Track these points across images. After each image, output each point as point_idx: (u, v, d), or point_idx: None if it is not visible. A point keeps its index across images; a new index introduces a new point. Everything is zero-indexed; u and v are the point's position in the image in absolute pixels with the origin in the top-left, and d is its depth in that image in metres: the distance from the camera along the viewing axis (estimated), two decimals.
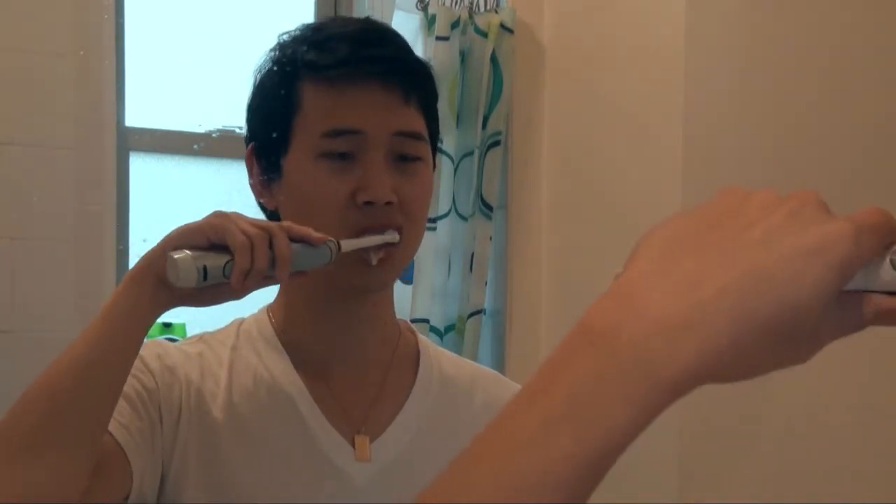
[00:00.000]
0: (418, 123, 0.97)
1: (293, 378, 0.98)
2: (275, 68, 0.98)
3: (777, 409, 1.82)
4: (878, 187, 1.91)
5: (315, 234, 0.87)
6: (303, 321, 1.01)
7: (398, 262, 0.97)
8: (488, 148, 2.14)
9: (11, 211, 2.05)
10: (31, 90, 2.08)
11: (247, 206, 1.05)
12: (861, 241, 0.41)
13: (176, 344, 1.01)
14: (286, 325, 1.02)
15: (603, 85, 2.06)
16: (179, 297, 0.85)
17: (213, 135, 2.33)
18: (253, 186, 1.02)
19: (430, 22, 2.08)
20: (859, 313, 0.43)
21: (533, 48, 2.22)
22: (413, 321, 2.02)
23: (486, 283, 2.15)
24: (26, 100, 2.07)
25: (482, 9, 2.17)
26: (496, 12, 2.16)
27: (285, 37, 1.00)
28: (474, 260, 2.13)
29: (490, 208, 2.14)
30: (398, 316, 1.08)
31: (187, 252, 0.81)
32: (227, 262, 0.82)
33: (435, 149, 1.02)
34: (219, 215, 0.85)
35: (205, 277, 0.82)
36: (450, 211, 2.09)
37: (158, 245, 0.84)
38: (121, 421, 0.87)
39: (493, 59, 2.13)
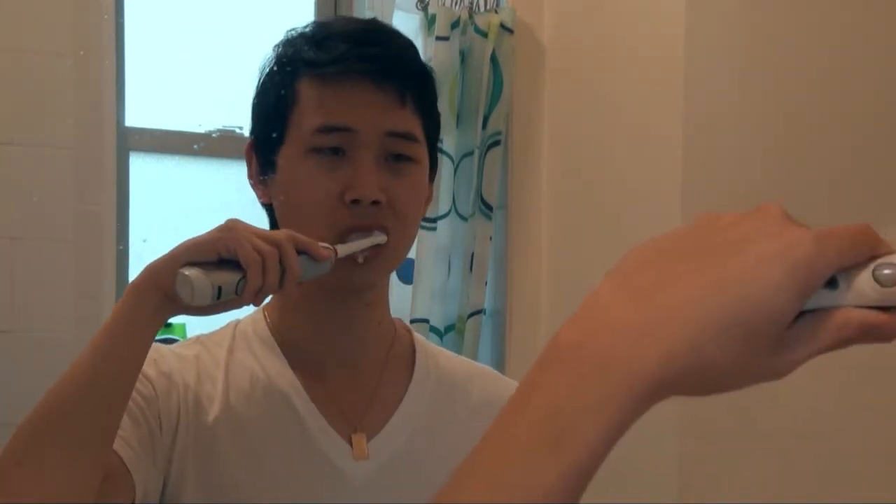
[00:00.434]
0: (412, 124, 0.97)
1: (290, 378, 0.98)
2: (275, 65, 0.99)
3: (777, 409, 1.82)
4: (878, 187, 1.91)
5: (321, 250, 0.88)
6: (298, 321, 1.01)
7: (385, 262, 0.96)
8: (488, 148, 2.14)
9: (11, 211, 2.05)
10: (31, 90, 2.08)
11: (247, 206, 1.05)
12: (823, 245, 0.41)
13: (172, 347, 1.01)
14: (282, 325, 1.02)
15: (603, 85, 2.06)
16: (183, 309, 0.85)
17: (213, 135, 2.33)
18: (251, 181, 1.02)
19: (430, 22, 2.08)
20: (840, 327, 0.42)
21: (533, 48, 2.23)
22: (413, 321, 2.03)
23: (486, 283, 2.15)
24: (26, 100, 2.07)
25: (482, 9, 2.17)
26: (496, 12, 2.16)
27: (292, 32, 1.00)
28: (474, 260, 2.13)
29: (490, 208, 2.14)
30: (399, 316, 1.08)
31: (200, 270, 0.81)
32: (240, 280, 0.82)
33: (434, 150, 1.02)
34: (228, 229, 0.84)
35: (219, 296, 0.82)
36: (450, 211, 2.10)
37: (164, 258, 0.83)
38: (121, 434, 0.87)
39: (493, 59, 2.13)
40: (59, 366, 0.84)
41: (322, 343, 1.00)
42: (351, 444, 0.97)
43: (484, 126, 2.13)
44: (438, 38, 2.06)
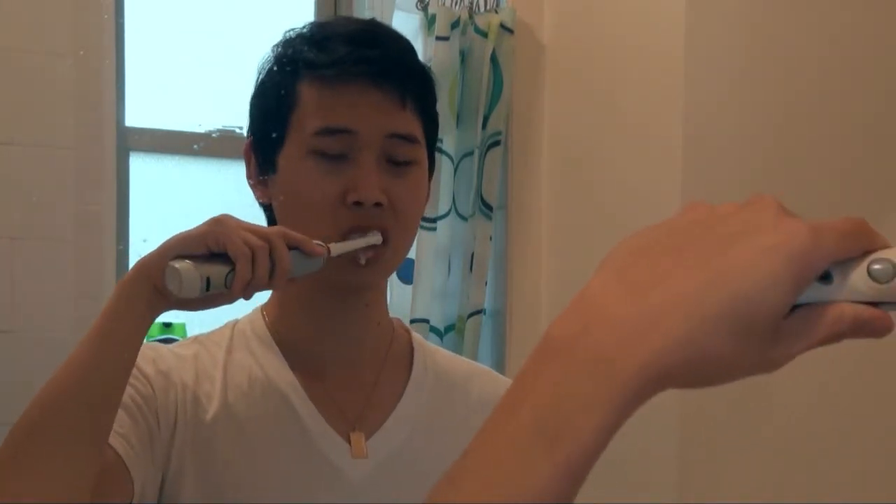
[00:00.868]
0: (413, 126, 0.97)
1: (288, 377, 0.99)
2: (275, 66, 0.99)
3: (777, 409, 1.82)
4: (878, 187, 1.91)
5: (314, 247, 0.88)
6: (297, 320, 1.01)
7: (386, 263, 0.97)
8: (488, 148, 2.14)
9: (11, 211, 2.05)
10: (31, 90, 2.08)
11: (247, 206, 1.05)
12: (819, 237, 0.41)
13: (170, 346, 1.01)
14: (280, 324, 1.02)
15: (603, 85, 2.06)
16: (175, 303, 0.85)
17: (213, 135, 2.33)
18: (250, 182, 1.02)
19: (430, 22, 2.08)
20: (833, 322, 0.42)
21: (533, 48, 2.22)
22: (413, 321, 2.03)
23: (486, 283, 2.15)
24: (26, 100, 2.07)
25: (482, 9, 2.17)
26: (496, 12, 2.16)
27: (290, 33, 1.00)
28: (474, 260, 2.13)
29: (490, 208, 2.14)
30: (399, 316, 1.09)
31: (189, 262, 0.81)
32: (230, 273, 0.82)
33: (433, 151, 1.02)
34: (217, 222, 0.84)
35: (207, 288, 0.82)
36: (450, 211, 2.09)
37: (154, 252, 0.84)
38: (119, 431, 0.87)
39: (493, 59, 2.13)
40: (58, 366, 0.84)
41: (321, 342, 1.01)
42: (349, 443, 0.97)
43: (484, 126, 2.13)
44: (438, 38, 2.06)
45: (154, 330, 2.07)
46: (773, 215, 0.42)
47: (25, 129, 2.07)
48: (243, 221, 0.86)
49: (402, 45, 0.99)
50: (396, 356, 1.04)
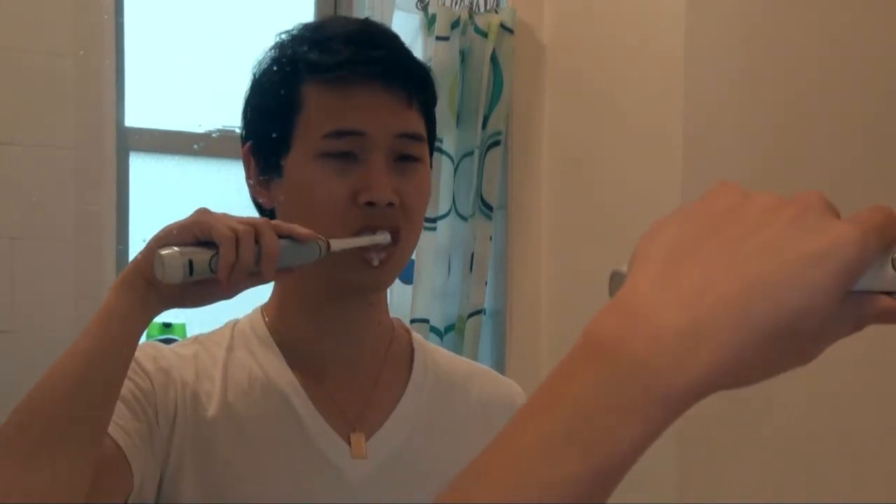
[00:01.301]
0: (419, 125, 0.98)
1: (288, 377, 0.99)
2: (275, 68, 0.98)
3: (777, 409, 1.82)
4: (877, 187, 1.91)
5: (302, 231, 0.87)
6: (297, 320, 1.01)
7: (398, 264, 0.97)
8: (488, 148, 2.14)
9: (11, 211, 2.05)
10: (31, 90, 2.08)
11: (247, 206, 1.05)
12: (868, 242, 0.40)
13: (170, 346, 1.01)
14: (280, 324, 1.02)
15: (603, 85, 2.06)
16: (170, 298, 0.85)
17: (213, 135, 2.32)
18: (250, 185, 1.02)
19: (430, 22, 2.08)
20: (860, 314, 0.42)
21: (533, 48, 2.22)
22: (413, 321, 2.03)
23: (486, 283, 2.15)
24: (26, 100, 2.07)
25: (482, 9, 2.17)
26: (496, 12, 2.16)
27: (284, 36, 1.00)
28: (474, 260, 2.13)
29: (490, 208, 2.14)
30: (399, 316, 1.09)
31: (174, 248, 0.82)
32: (214, 256, 0.82)
33: (432, 149, 1.03)
34: (203, 212, 0.85)
35: (191, 272, 0.81)
36: (450, 211, 2.10)
37: (146, 246, 0.84)
38: (119, 423, 0.88)
39: (493, 59, 2.13)
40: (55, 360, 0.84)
41: (321, 342, 1.00)
42: (349, 444, 0.97)
43: (484, 126, 2.13)
44: (438, 38, 2.06)
45: (154, 330, 2.07)
46: (821, 215, 0.41)
47: (25, 129, 2.07)
48: (233, 215, 0.86)
49: (401, 45, 1.00)
50: (397, 356, 1.05)
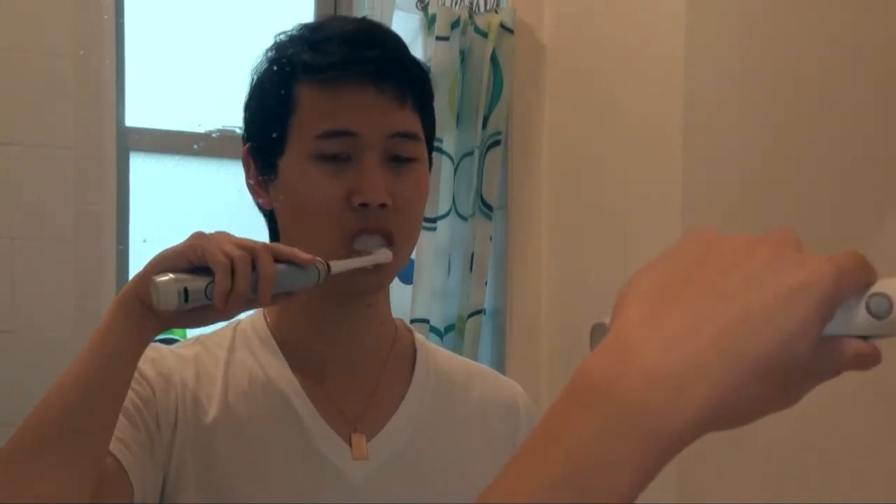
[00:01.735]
0: (414, 124, 0.97)
1: (289, 377, 0.98)
2: (274, 68, 0.98)
3: None
4: (878, 187, 1.91)
5: (302, 255, 0.86)
6: (298, 321, 1.01)
7: (394, 265, 0.96)
8: (488, 148, 2.14)
9: (11, 211, 2.05)
10: (31, 90, 2.08)
11: (247, 206, 1.05)
12: (842, 280, 0.41)
13: (171, 347, 1.01)
14: (281, 325, 1.02)
15: (603, 85, 2.06)
16: (167, 321, 0.85)
17: (213, 135, 2.32)
18: (250, 186, 1.02)
19: (430, 22, 2.08)
20: (836, 358, 0.42)
21: (533, 48, 2.22)
22: (413, 321, 2.03)
23: (486, 283, 2.15)
24: (26, 100, 2.07)
25: (482, 9, 2.17)
26: (496, 12, 2.16)
27: (282, 37, 1.00)
28: (474, 260, 2.13)
29: (490, 208, 2.14)
30: (399, 316, 1.08)
31: (170, 275, 0.81)
32: (209, 284, 0.81)
33: (431, 148, 1.02)
34: (199, 237, 0.84)
35: (186, 299, 0.81)
36: (450, 211, 2.10)
37: (142, 270, 0.84)
38: (118, 436, 0.87)
39: (493, 59, 2.13)
40: (59, 366, 0.84)
41: (322, 343, 1.00)
42: (350, 445, 0.97)
43: (484, 126, 2.13)
44: (438, 38, 2.06)
45: None
46: (796, 251, 0.42)
47: (25, 129, 2.07)
48: (231, 235, 0.85)
49: (397, 44, 0.99)
50: (399, 357, 1.04)
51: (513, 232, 2.22)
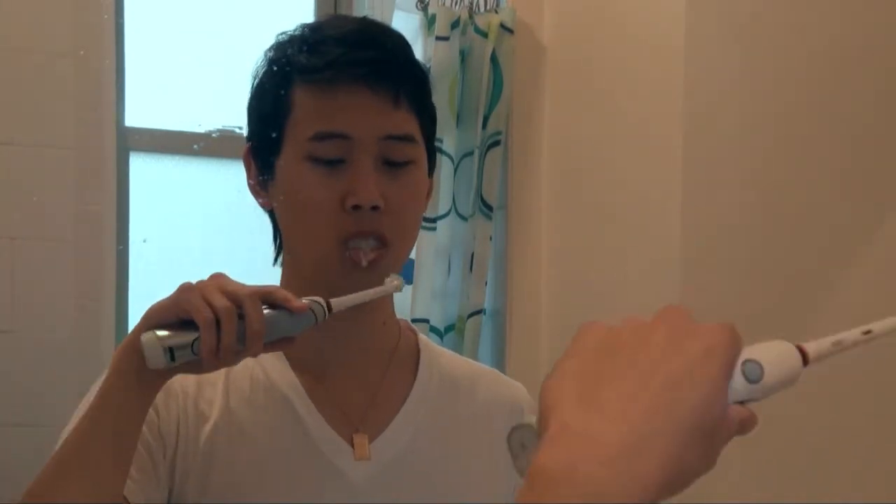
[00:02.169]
0: (409, 126, 0.96)
1: (290, 379, 0.98)
2: (273, 69, 0.98)
3: (777, 409, 1.82)
4: (878, 184, 1.91)
5: (294, 303, 0.84)
6: None
7: (387, 266, 0.95)
8: (488, 148, 2.14)
9: (11, 211, 2.05)
10: (31, 90, 2.08)
11: (247, 206, 1.05)
12: (736, 341, 0.45)
13: None
14: None
15: (603, 85, 2.06)
16: (170, 371, 0.83)
17: (213, 135, 2.32)
18: (251, 186, 1.02)
19: (430, 22, 2.08)
20: (728, 426, 0.46)
21: (533, 48, 2.22)
22: (413, 321, 2.02)
23: (486, 283, 2.15)
24: (26, 100, 2.07)
25: (482, 9, 2.17)
26: (496, 12, 2.16)
27: (283, 37, 0.99)
28: (474, 260, 2.12)
29: (490, 208, 2.14)
30: (399, 316, 1.08)
31: (154, 333, 0.79)
32: (196, 340, 0.79)
33: (432, 149, 1.01)
34: (186, 290, 0.82)
35: (172, 358, 0.79)
36: (450, 211, 2.09)
37: (138, 324, 0.82)
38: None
39: (493, 59, 2.13)
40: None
41: (324, 343, 1.00)
42: (352, 445, 0.96)
43: (484, 126, 2.13)
44: (438, 38, 2.06)
45: None
46: (691, 322, 0.46)
47: (25, 129, 2.07)
48: (224, 280, 0.83)
49: (394, 43, 0.98)
50: (402, 357, 1.04)
51: (513, 232, 2.22)
